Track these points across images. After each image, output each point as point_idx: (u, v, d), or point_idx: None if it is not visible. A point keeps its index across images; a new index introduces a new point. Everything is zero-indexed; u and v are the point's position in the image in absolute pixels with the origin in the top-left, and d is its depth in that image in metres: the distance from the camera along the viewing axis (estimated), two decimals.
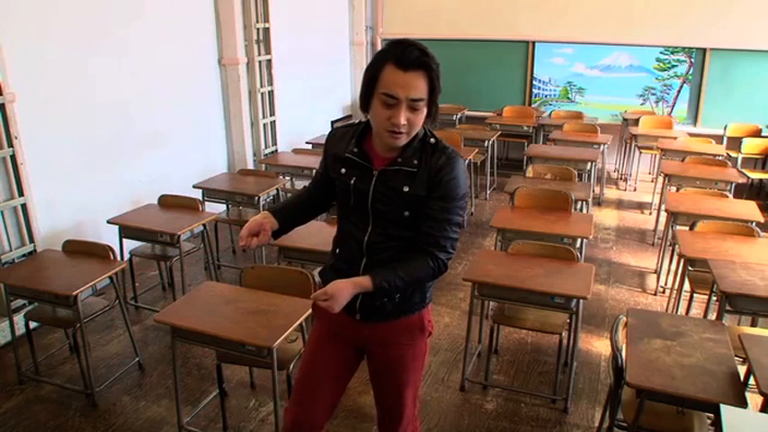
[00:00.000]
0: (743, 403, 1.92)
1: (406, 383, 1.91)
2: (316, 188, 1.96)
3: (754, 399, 2.23)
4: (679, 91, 6.76)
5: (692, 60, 6.60)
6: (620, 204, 6.10)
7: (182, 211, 3.82)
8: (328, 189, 1.89)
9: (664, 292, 4.12)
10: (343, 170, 1.77)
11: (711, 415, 2.15)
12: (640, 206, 5.99)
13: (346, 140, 1.78)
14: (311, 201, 1.98)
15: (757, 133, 6.21)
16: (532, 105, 7.31)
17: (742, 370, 2.23)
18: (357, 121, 1.83)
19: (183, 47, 4.91)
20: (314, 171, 2.20)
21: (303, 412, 1.89)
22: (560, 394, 2.98)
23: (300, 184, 5.08)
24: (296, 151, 5.38)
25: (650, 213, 5.72)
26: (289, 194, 5.22)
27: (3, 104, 3.36)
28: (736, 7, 6.25)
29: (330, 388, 1.92)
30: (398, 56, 1.58)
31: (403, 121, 1.60)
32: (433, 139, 1.74)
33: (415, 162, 1.69)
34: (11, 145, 3.43)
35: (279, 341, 2.26)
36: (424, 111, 1.65)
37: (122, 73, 4.32)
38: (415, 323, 1.86)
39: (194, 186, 4.33)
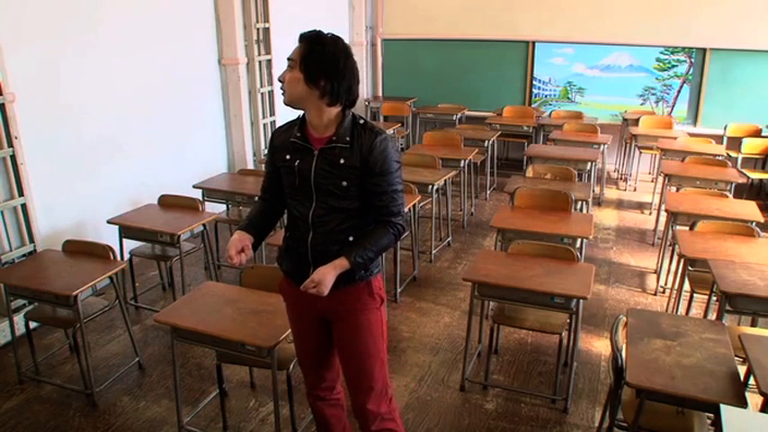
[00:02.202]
0: (743, 403, 1.92)
1: (367, 352, 2.07)
2: (269, 192, 2.16)
3: (754, 399, 2.23)
4: (679, 91, 6.76)
5: (692, 60, 6.60)
6: (620, 204, 6.10)
7: (182, 211, 3.82)
8: (279, 186, 2.09)
9: (664, 292, 4.12)
10: (288, 156, 2.00)
11: (711, 415, 2.15)
12: (640, 206, 5.99)
13: (290, 132, 2.02)
14: (270, 206, 2.17)
15: (757, 133, 6.21)
16: (532, 105, 7.30)
17: (742, 370, 2.23)
18: (296, 117, 2.06)
19: (183, 47, 4.92)
20: None
21: (315, 376, 2.22)
22: (560, 394, 2.98)
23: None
24: None
25: (650, 213, 5.72)
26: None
27: (3, 104, 3.36)
28: (736, 7, 6.25)
29: (320, 356, 2.19)
30: None
31: (279, 76, 1.95)
32: (362, 120, 2.00)
33: (348, 139, 1.94)
34: (11, 145, 3.43)
35: (279, 341, 2.26)
36: (295, 72, 1.89)
37: (123, 73, 4.32)
38: (363, 289, 2.04)
39: (194, 186, 4.33)
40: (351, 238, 1.98)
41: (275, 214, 2.18)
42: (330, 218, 1.97)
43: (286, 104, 1.96)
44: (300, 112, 2.02)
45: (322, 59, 1.87)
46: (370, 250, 1.94)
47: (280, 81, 1.94)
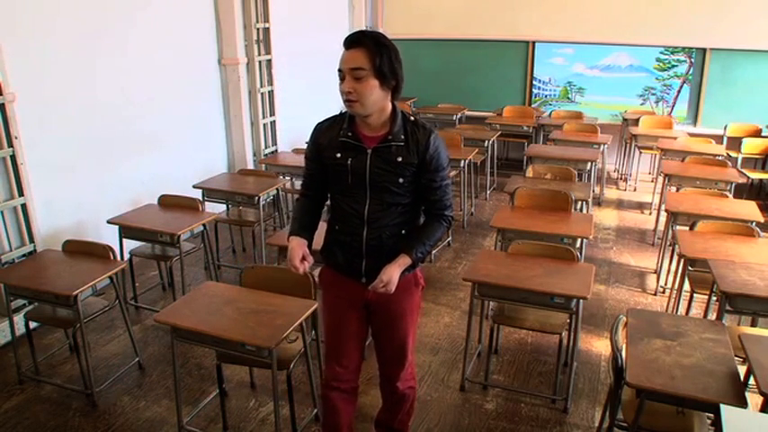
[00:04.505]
0: (743, 403, 1.92)
1: (405, 331, 2.20)
2: (311, 188, 2.18)
3: (754, 399, 2.23)
4: (679, 91, 6.77)
5: (692, 60, 6.61)
6: (620, 204, 6.10)
7: (182, 211, 3.82)
8: (323, 182, 2.13)
9: (664, 292, 4.12)
10: (339, 155, 2.01)
11: (711, 415, 2.15)
12: (640, 206, 5.99)
13: (336, 129, 2.03)
14: (315, 203, 2.20)
15: (757, 133, 6.21)
16: (532, 105, 7.31)
17: (742, 370, 2.23)
18: (339, 113, 2.07)
19: (183, 47, 4.91)
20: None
21: (341, 367, 2.21)
22: (560, 394, 2.98)
23: (300, 183, 5.07)
24: (296, 151, 5.38)
25: (650, 213, 5.72)
26: (287, 194, 5.23)
27: (3, 104, 3.36)
28: (736, 7, 6.25)
29: (355, 344, 2.22)
30: (345, 39, 1.91)
31: (347, 89, 1.89)
32: (412, 117, 2.05)
33: (402, 137, 1.99)
34: (11, 145, 3.42)
35: (279, 341, 2.26)
36: (371, 80, 1.88)
37: (122, 73, 4.33)
38: (410, 280, 2.14)
39: (194, 186, 4.33)
40: (403, 231, 2.06)
41: (320, 209, 2.22)
42: (385, 213, 2.03)
43: (357, 114, 1.95)
44: (340, 107, 2.00)
45: (392, 60, 1.89)
46: (427, 245, 2.06)
47: (347, 93, 1.88)
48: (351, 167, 1.99)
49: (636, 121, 6.45)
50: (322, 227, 2.21)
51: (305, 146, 5.76)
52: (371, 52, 1.86)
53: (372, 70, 1.86)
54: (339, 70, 1.91)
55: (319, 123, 2.11)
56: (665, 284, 4.13)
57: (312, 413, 2.85)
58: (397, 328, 2.19)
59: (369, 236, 2.04)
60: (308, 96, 6.67)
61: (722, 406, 1.82)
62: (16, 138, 3.44)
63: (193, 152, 5.14)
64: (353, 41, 1.89)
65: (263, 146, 5.74)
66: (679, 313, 3.46)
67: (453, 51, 7.45)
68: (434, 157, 1.99)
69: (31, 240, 3.61)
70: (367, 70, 1.86)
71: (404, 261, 2.00)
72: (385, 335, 2.23)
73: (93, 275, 2.94)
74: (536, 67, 7.25)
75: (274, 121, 5.89)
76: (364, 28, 7.60)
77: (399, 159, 1.97)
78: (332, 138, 2.03)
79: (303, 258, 2.02)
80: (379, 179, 1.99)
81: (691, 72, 6.65)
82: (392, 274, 1.97)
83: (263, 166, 5.17)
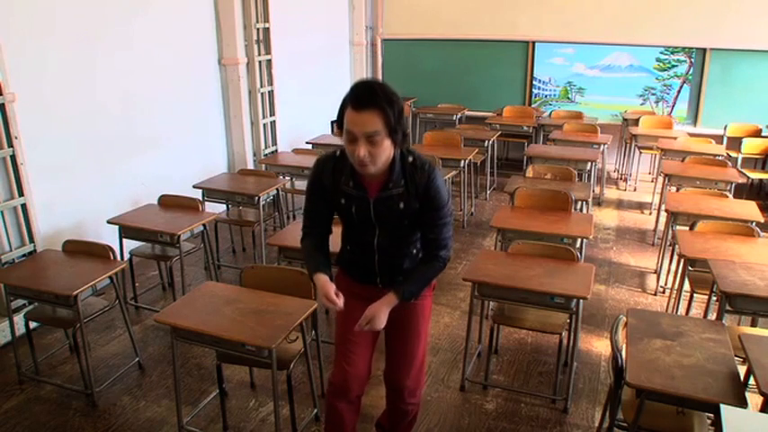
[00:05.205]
0: (743, 403, 1.92)
1: (417, 334, 2.22)
2: (316, 226, 2.14)
3: (754, 399, 2.23)
4: (679, 91, 6.76)
5: (692, 60, 6.61)
6: (620, 204, 6.10)
7: (182, 211, 3.82)
8: (328, 217, 2.13)
9: (664, 292, 4.12)
10: (343, 201, 2.03)
11: (711, 415, 2.15)
12: (640, 206, 5.99)
13: (338, 175, 2.00)
14: (321, 238, 2.16)
15: (757, 133, 6.21)
16: (532, 105, 7.31)
17: (742, 370, 2.23)
18: (338, 151, 2.00)
19: (183, 47, 4.92)
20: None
21: (351, 369, 2.17)
22: (560, 394, 2.98)
23: (300, 184, 5.08)
24: (296, 151, 5.38)
25: (650, 213, 5.72)
26: (287, 194, 5.23)
27: (3, 104, 3.36)
28: (736, 7, 6.25)
29: (367, 344, 2.21)
30: (353, 98, 1.81)
31: (362, 153, 1.82)
32: (411, 158, 1.98)
33: (402, 182, 1.96)
34: (11, 145, 3.42)
35: (279, 341, 2.26)
36: (385, 142, 1.83)
37: (122, 73, 4.33)
38: None
39: (194, 186, 4.33)
40: (414, 251, 2.11)
41: (327, 241, 2.18)
42: (394, 243, 2.08)
43: (370, 174, 1.91)
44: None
45: (401, 113, 1.85)
46: (419, 284, 2.08)
47: (362, 157, 1.81)
48: (356, 212, 2.02)
49: (636, 121, 6.45)
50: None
51: (305, 146, 5.80)
52: (385, 113, 1.78)
53: (387, 132, 1.80)
54: (349, 132, 1.81)
55: (321, 162, 2.05)
56: (665, 284, 4.13)
57: (312, 413, 2.85)
58: (408, 328, 2.20)
59: (380, 260, 2.10)
60: (309, 96, 6.68)
61: (722, 406, 1.82)
62: (16, 138, 3.44)
63: (193, 152, 5.14)
64: (366, 103, 1.77)
65: (263, 146, 5.74)
66: (679, 313, 3.46)
67: (453, 51, 7.45)
68: (434, 198, 1.97)
69: (31, 240, 3.61)
70: (383, 134, 1.80)
71: (390, 299, 2.02)
72: (399, 334, 2.22)
73: (93, 275, 2.94)
74: (536, 67, 7.25)
75: (274, 121, 5.89)
76: (364, 28, 7.60)
77: (401, 206, 1.97)
78: (335, 183, 2.01)
79: (337, 294, 2.01)
80: (384, 222, 2.02)
81: (691, 72, 6.65)
82: (376, 311, 2.00)
83: (263, 166, 5.17)
